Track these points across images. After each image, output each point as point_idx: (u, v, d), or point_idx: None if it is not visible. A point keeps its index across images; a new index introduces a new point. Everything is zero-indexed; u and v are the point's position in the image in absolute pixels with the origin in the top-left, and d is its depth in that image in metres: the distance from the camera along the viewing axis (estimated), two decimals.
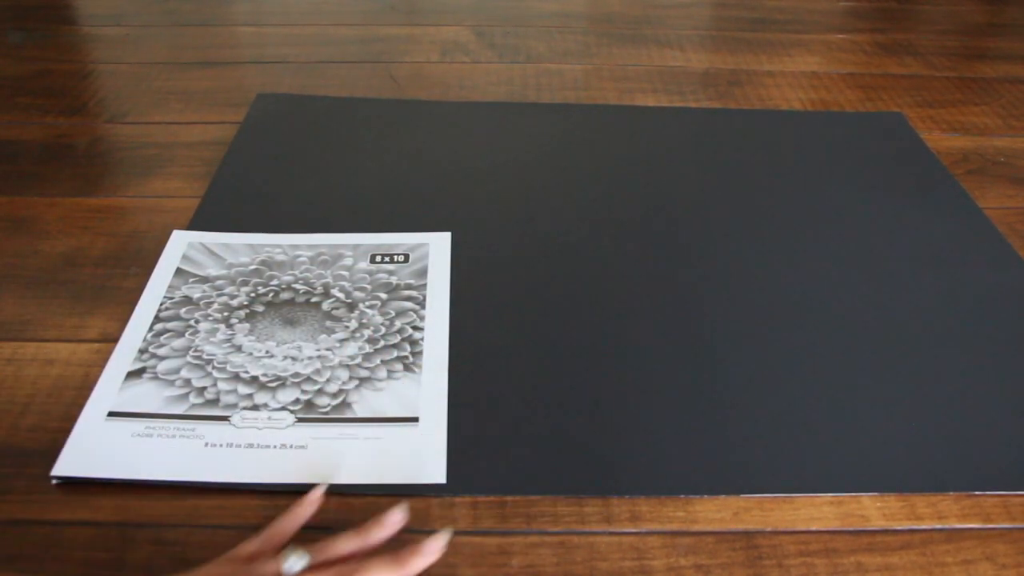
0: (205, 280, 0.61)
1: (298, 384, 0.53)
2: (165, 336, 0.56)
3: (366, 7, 1.11)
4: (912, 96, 0.93)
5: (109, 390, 0.52)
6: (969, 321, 0.60)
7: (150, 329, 0.57)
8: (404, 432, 0.50)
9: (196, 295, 0.60)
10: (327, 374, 0.54)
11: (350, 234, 0.66)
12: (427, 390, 0.53)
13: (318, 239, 0.65)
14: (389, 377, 0.54)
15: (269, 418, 0.51)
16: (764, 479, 0.49)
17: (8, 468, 0.48)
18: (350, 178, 0.74)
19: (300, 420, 0.51)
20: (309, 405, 0.52)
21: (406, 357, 0.55)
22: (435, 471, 0.48)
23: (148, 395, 0.52)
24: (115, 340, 0.56)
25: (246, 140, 0.79)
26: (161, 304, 0.59)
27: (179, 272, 0.62)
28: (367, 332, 0.57)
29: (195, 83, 0.90)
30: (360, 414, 0.51)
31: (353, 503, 0.47)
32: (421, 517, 0.46)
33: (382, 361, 0.55)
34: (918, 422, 0.52)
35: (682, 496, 0.48)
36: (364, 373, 0.54)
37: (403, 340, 0.56)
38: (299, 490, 0.46)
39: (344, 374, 0.54)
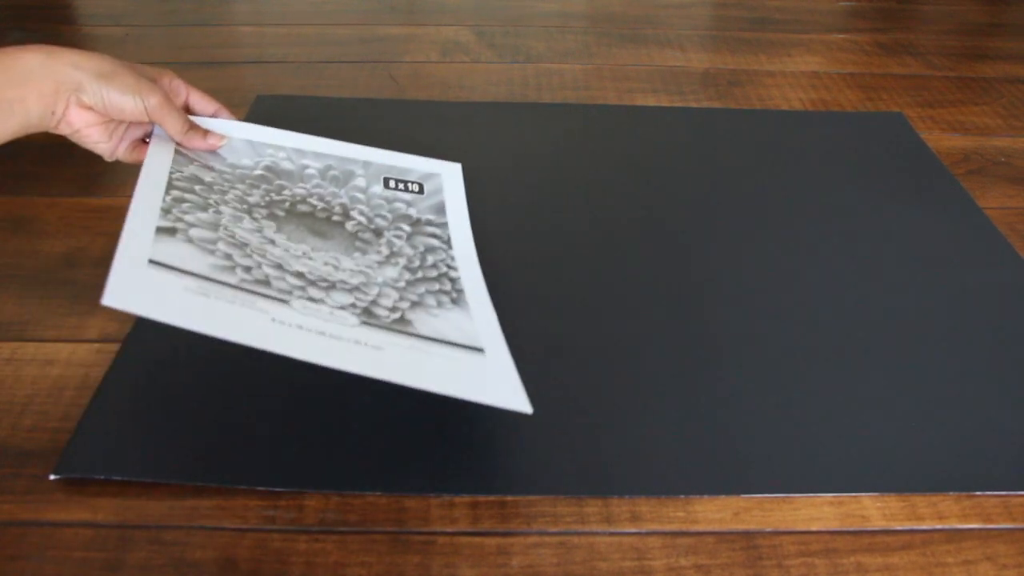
0: (211, 169, 0.54)
1: (349, 291, 0.46)
2: (187, 205, 0.48)
3: (366, 7, 1.11)
4: (912, 96, 0.93)
5: (141, 240, 0.43)
6: (969, 321, 0.60)
7: (167, 192, 0.49)
8: (475, 359, 0.45)
9: (206, 178, 0.52)
10: (375, 289, 0.47)
11: (358, 147, 0.60)
12: (482, 325, 0.47)
13: (325, 147, 0.59)
14: (440, 306, 0.48)
15: (331, 313, 0.44)
16: (764, 479, 0.49)
17: (7, 468, 0.48)
18: None
19: (366, 323, 0.44)
20: (369, 312, 0.45)
21: (449, 292, 0.49)
22: (519, 399, 0.44)
23: (189, 256, 0.44)
24: (116, 340, 0.56)
25: None
26: (172, 173, 0.51)
27: (179, 153, 0.54)
28: (402, 261, 0.51)
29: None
30: (424, 332, 0.45)
31: (353, 503, 0.47)
32: (421, 516, 0.46)
33: (427, 290, 0.49)
34: (918, 422, 0.52)
35: (682, 496, 0.48)
36: (413, 297, 0.48)
37: (441, 276, 0.51)
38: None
39: (393, 293, 0.47)
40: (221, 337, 0.40)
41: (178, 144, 0.56)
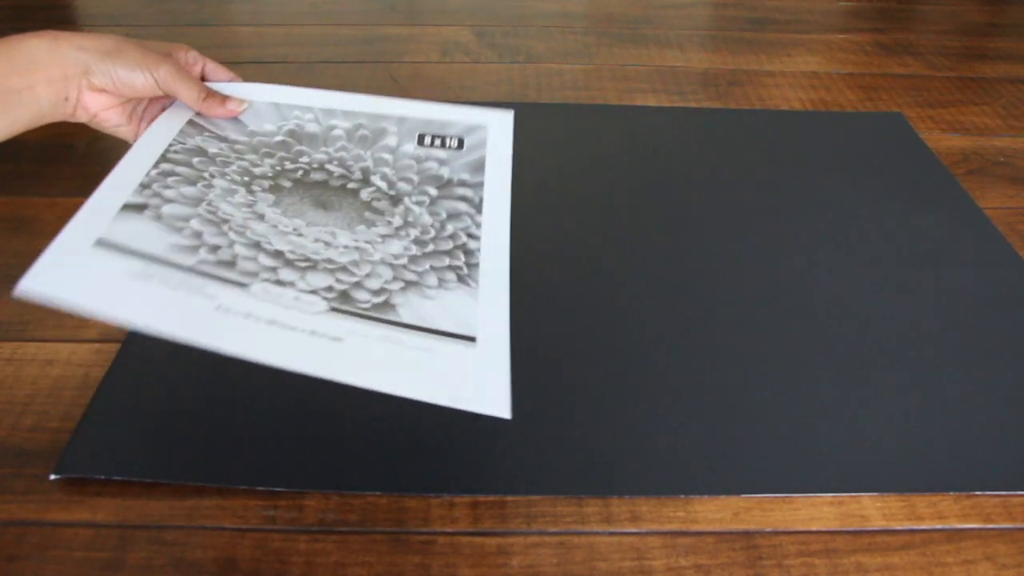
0: (224, 140, 0.51)
1: (332, 272, 0.44)
2: (173, 179, 0.47)
3: (366, 7, 1.11)
4: (912, 96, 0.93)
5: (99, 217, 0.42)
6: (969, 321, 0.60)
7: (155, 166, 0.47)
8: (460, 351, 0.42)
9: (212, 150, 0.50)
10: (366, 268, 0.44)
11: (396, 100, 0.56)
12: (486, 308, 0.44)
13: (358, 103, 0.55)
14: (440, 286, 0.45)
15: (296, 298, 0.41)
16: (764, 479, 0.49)
17: (8, 468, 0.48)
18: None
19: (335, 310, 0.41)
20: (345, 297, 0.42)
21: (460, 268, 0.46)
22: (498, 402, 0.40)
23: (149, 235, 0.42)
24: (116, 341, 0.56)
25: None
26: (170, 146, 0.49)
27: (192, 123, 0.52)
28: (414, 232, 0.47)
29: None
30: (406, 319, 0.42)
31: (353, 503, 0.47)
32: (421, 516, 0.46)
33: (432, 267, 0.46)
34: (918, 422, 0.52)
35: (682, 496, 0.48)
36: (411, 276, 0.45)
37: (456, 248, 0.47)
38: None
39: (387, 272, 0.45)
40: (143, 328, 0.38)
41: (197, 112, 0.53)
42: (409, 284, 0.44)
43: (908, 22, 1.14)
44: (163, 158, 0.48)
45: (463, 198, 0.50)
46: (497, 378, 0.41)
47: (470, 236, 0.48)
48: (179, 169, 0.48)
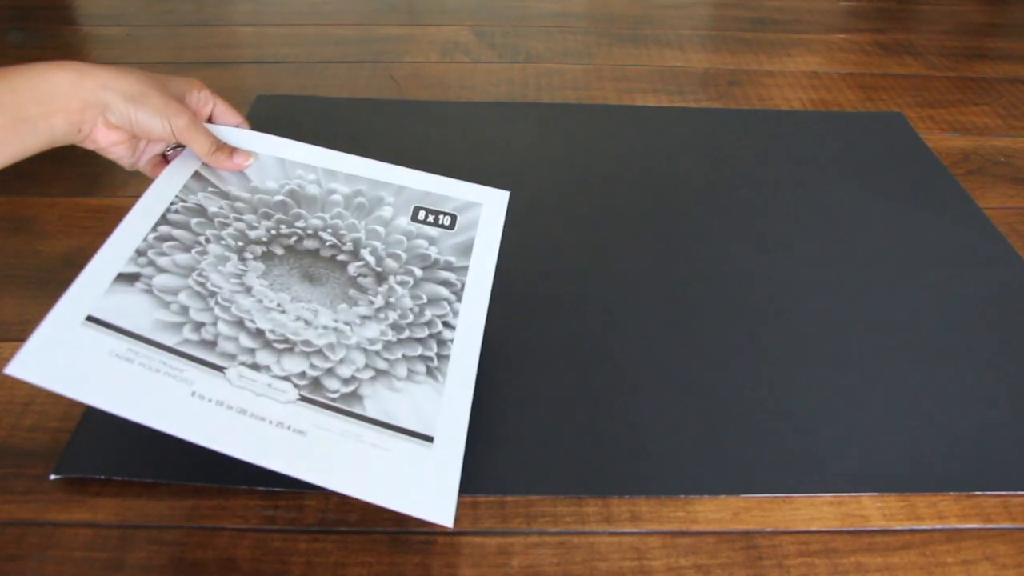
0: (225, 196, 0.53)
1: (307, 355, 0.46)
2: (169, 244, 0.48)
3: (366, 7, 1.11)
4: (912, 96, 0.93)
5: (93, 289, 0.44)
6: (969, 321, 0.60)
7: (154, 229, 0.49)
8: (415, 451, 0.44)
9: (212, 209, 0.52)
10: (341, 353, 0.46)
11: (398, 168, 0.57)
12: (448, 407, 0.46)
13: (360, 168, 0.56)
14: (409, 378, 0.47)
15: (270, 385, 0.44)
16: (764, 479, 0.49)
17: (8, 468, 0.48)
18: None
19: (304, 399, 0.44)
20: (316, 385, 0.45)
21: (431, 359, 0.48)
22: (443, 511, 0.42)
23: (137, 309, 0.44)
24: None
25: None
26: (172, 204, 0.51)
27: (197, 176, 0.53)
28: (392, 315, 0.49)
29: None
30: (371, 413, 0.45)
31: (353, 503, 0.47)
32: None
33: (404, 356, 0.47)
34: (918, 422, 0.52)
35: (682, 496, 0.48)
36: (383, 365, 0.47)
37: (430, 336, 0.49)
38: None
39: (360, 359, 0.47)
40: (124, 416, 0.40)
41: (204, 163, 0.55)
42: (379, 373, 0.46)
43: (908, 22, 1.14)
44: (163, 219, 0.50)
45: (446, 283, 0.52)
46: (446, 484, 0.43)
47: (446, 325, 0.50)
48: (176, 233, 0.49)
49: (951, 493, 0.48)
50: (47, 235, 0.67)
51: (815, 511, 0.47)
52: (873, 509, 0.47)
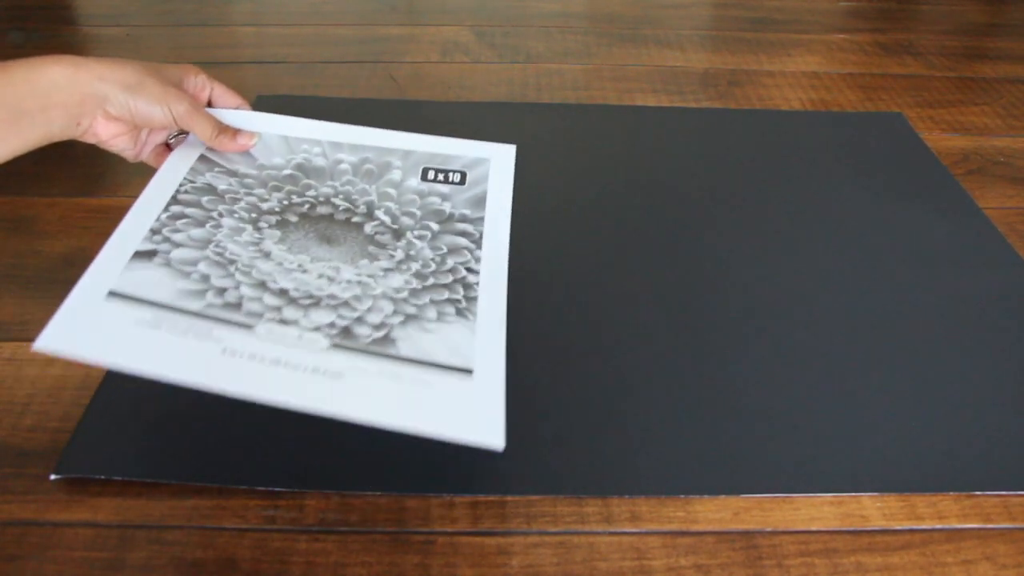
0: (233, 174, 0.53)
1: (334, 308, 0.46)
2: (183, 222, 0.49)
3: (366, 7, 1.11)
4: (912, 96, 0.93)
5: (111, 267, 0.45)
6: (969, 321, 0.60)
7: (166, 209, 0.49)
8: (456, 383, 0.43)
9: (221, 186, 0.52)
10: (368, 302, 0.46)
11: (402, 133, 0.58)
12: (483, 341, 0.46)
13: (365, 137, 0.57)
14: (439, 319, 0.46)
15: (300, 337, 0.44)
16: (764, 479, 0.49)
17: (8, 468, 0.48)
18: None
19: (336, 346, 0.44)
20: (347, 332, 0.44)
21: (459, 301, 0.48)
22: (492, 433, 0.41)
23: (158, 282, 0.45)
24: None
25: None
26: (181, 185, 0.51)
27: (203, 159, 0.54)
28: (415, 266, 0.49)
29: None
30: (405, 353, 0.44)
31: (353, 503, 0.47)
32: (421, 516, 0.46)
33: (431, 300, 0.47)
34: (918, 422, 0.52)
35: (682, 496, 0.48)
36: (411, 310, 0.46)
37: (455, 281, 0.49)
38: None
39: (388, 306, 0.46)
40: (154, 376, 0.40)
41: (209, 148, 0.55)
42: (409, 318, 0.46)
43: (908, 22, 1.14)
44: (174, 199, 0.50)
45: (464, 233, 0.52)
46: (492, 410, 0.43)
47: (469, 270, 0.50)
48: (189, 211, 0.50)
49: (951, 493, 0.48)
50: (47, 235, 0.67)
51: (815, 511, 0.47)
52: (873, 509, 0.47)
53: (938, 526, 0.47)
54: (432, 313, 0.47)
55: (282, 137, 0.56)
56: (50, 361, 0.55)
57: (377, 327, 0.45)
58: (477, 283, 0.49)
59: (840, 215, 0.71)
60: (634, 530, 0.46)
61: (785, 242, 0.68)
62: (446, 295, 0.48)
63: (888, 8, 1.18)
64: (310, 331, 0.44)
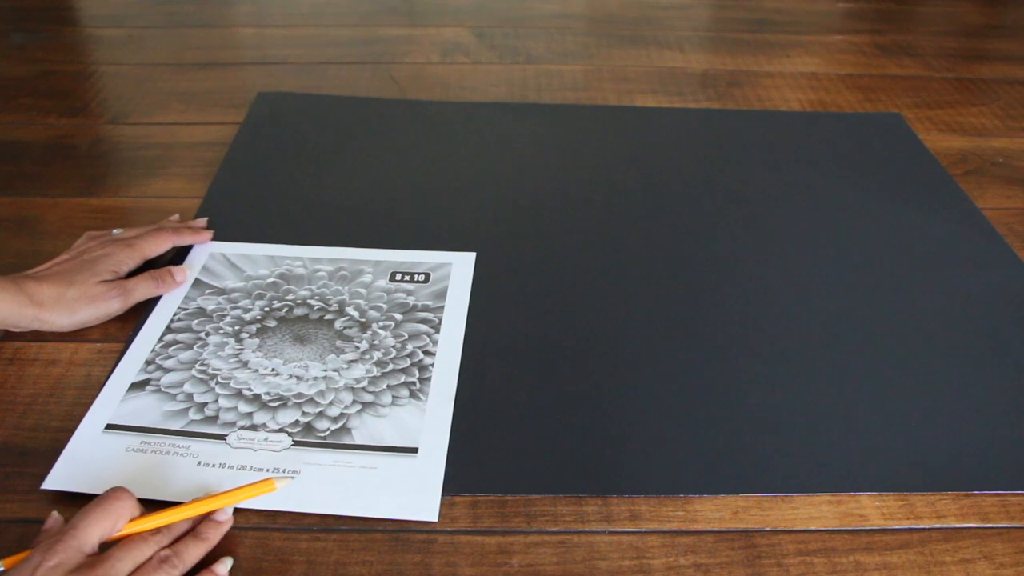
0: (222, 292, 0.60)
1: (300, 405, 0.52)
2: (174, 348, 0.55)
3: (367, 8, 1.12)
4: (910, 97, 0.93)
5: (111, 400, 0.52)
6: (968, 321, 0.60)
7: (160, 340, 0.56)
8: (401, 463, 0.48)
9: (211, 307, 0.59)
10: (330, 396, 0.52)
11: (373, 250, 0.65)
12: (430, 420, 0.51)
13: (340, 253, 0.65)
14: (393, 403, 0.52)
15: (266, 439, 0.49)
16: (763, 479, 0.49)
17: (9, 468, 0.48)
18: (351, 178, 0.74)
19: (296, 444, 0.49)
20: (308, 428, 0.50)
21: (413, 383, 0.53)
22: (427, 508, 0.46)
23: (148, 408, 0.51)
24: (117, 340, 0.57)
25: (247, 139, 0.80)
26: (175, 315, 0.58)
27: (197, 283, 0.61)
28: (376, 354, 0.55)
29: (197, 84, 0.90)
30: (358, 441, 0.49)
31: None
32: None
33: (388, 386, 0.53)
34: (917, 422, 0.53)
35: (681, 496, 0.48)
36: (368, 398, 0.52)
37: (412, 365, 0.55)
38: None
39: (347, 397, 0.52)
40: (143, 496, 0.45)
41: (197, 275, 0.62)
42: (366, 405, 0.52)
43: (906, 23, 1.14)
44: (167, 329, 0.57)
45: (425, 320, 0.58)
46: (430, 486, 0.47)
47: (426, 353, 0.56)
48: (180, 336, 0.57)
49: (949, 492, 0.49)
50: (49, 235, 0.67)
51: (814, 510, 0.47)
52: (872, 508, 0.48)
53: (936, 525, 0.47)
54: (387, 398, 0.52)
55: (269, 256, 0.64)
56: (52, 361, 0.55)
57: (335, 419, 0.51)
58: (432, 364, 0.55)
59: (838, 215, 0.71)
60: (634, 529, 0.46)
61: (783, 242, 0.68)
62: (402, 379, 0.54)
63: (886, 9, 1.18)
64: (275, 432, 0.50)
